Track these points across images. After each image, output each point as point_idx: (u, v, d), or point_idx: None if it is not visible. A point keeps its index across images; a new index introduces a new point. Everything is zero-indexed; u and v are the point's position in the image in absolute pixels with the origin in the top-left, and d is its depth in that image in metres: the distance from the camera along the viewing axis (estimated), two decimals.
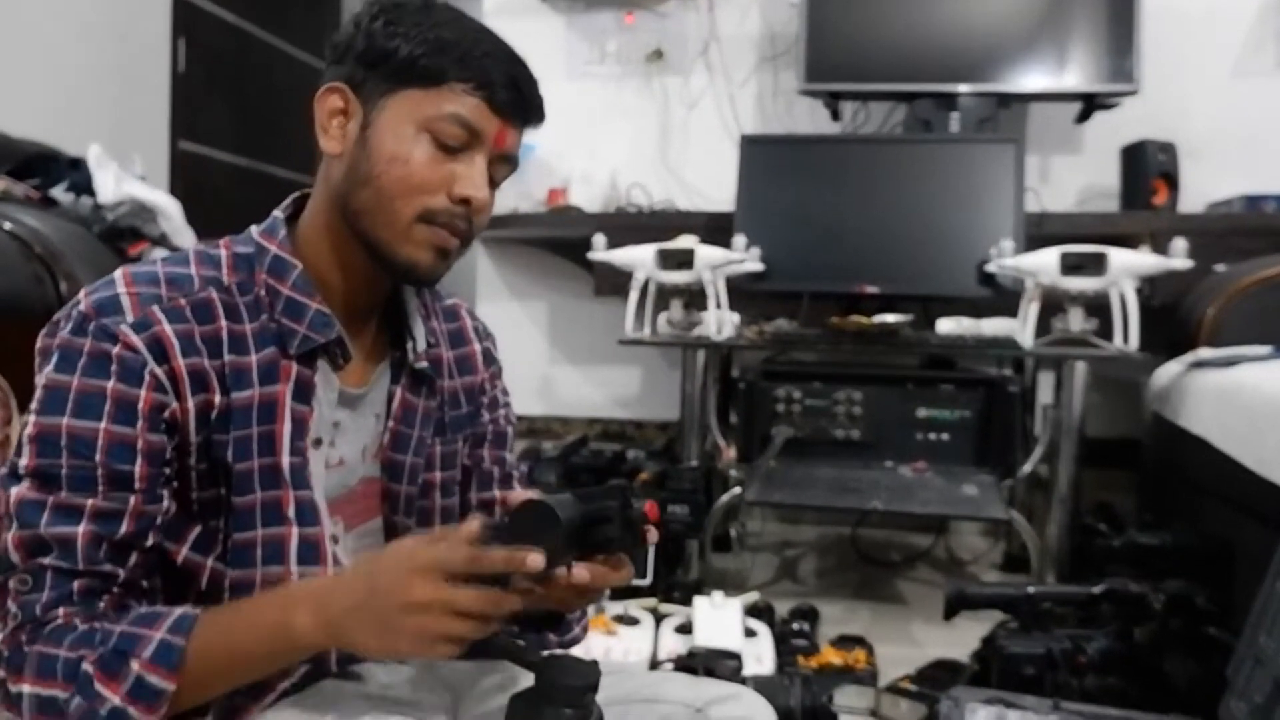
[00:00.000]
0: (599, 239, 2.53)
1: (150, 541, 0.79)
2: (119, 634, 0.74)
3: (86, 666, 0.73)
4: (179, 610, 0.76)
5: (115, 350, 0.77)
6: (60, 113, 3.07)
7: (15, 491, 0.76)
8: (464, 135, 0.84)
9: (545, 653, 0.76)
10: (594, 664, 0.75)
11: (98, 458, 0.76)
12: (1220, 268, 2.39)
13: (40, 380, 0.78)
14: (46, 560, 0.75)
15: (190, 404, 0.80)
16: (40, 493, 0.76)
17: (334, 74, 0.86)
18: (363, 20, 0.85)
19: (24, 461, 0.77)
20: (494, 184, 0.88)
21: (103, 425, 0.76)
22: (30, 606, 0.75)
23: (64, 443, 0.76)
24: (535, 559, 0.71)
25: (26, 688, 0.73)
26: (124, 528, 0.77)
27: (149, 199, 2.16)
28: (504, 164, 0.88)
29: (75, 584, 0.76)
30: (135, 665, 0.73)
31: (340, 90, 0.85)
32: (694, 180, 3.23)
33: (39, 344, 0.81)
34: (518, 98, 0.86)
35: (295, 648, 0.77)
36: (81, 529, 0.76)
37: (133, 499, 0.77)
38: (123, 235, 2.07)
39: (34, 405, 0.78)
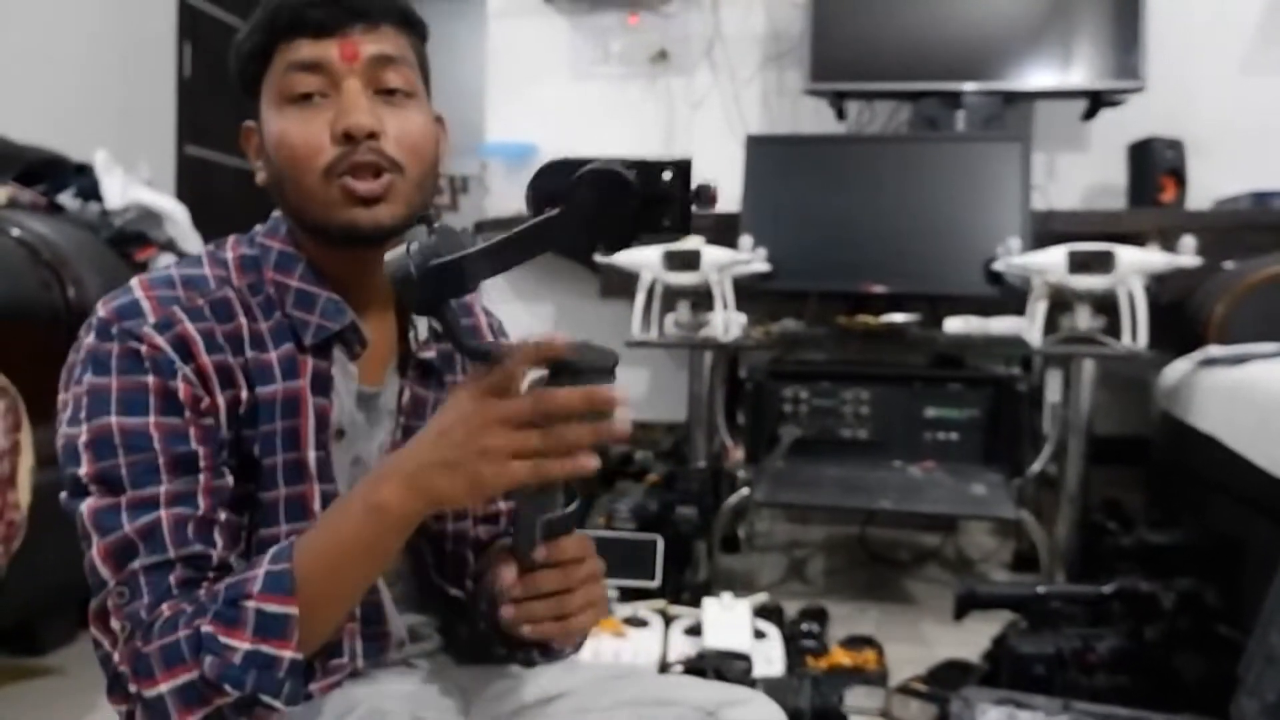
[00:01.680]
0: None
1: (224, 517, 0.78)
2: (224, 588, 0.73)
3: (206, 628, 0.71)
4: (274, 548, 0.75)
5: (143, 349, 0.77)
6: (66, 119, 3.08)
7: (86, 506, 0.75)
8: (310, 78, 0.81)
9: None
10: (609, 351, 0.73)
11: (156, 446, 0.76)
12: (1229, 265, 2.38)
13: (78, 390, 0.77)
14: (137, 563, 0.74)
15: (220, 399, 0.79)
16: (109, 498, 0.75)
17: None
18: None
19: (83, 470, 0.76)
20: (393, 92, 0.83)
21: (151, 419, 0.76)
22: (135, 614, 0.73)
23: (118, 441, 0.75)
24: (604, 397, 0.69)
25: (163, 686, 0.71)
26: (202, 504, 0.76)
27: (156, 204, 2.17)
28: (384, 69, 0.82)
29: (171, 577, 0.74)
30: (250, 604, 0.71)
31: (250, 128, 0.88)
32: (699, 180, 3.22)
33: (68, 362, 0.80)
34: (330, 10, 0.81)
35: (392, 524, 0.74)
36: (163, 513, 0.75)
37: (201, 477, 0.77)
38: (130, 240, 2.08)
39: (79, 414, 0.77)
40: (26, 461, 1.59)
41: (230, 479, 0.80)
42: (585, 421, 0.70)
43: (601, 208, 0.66)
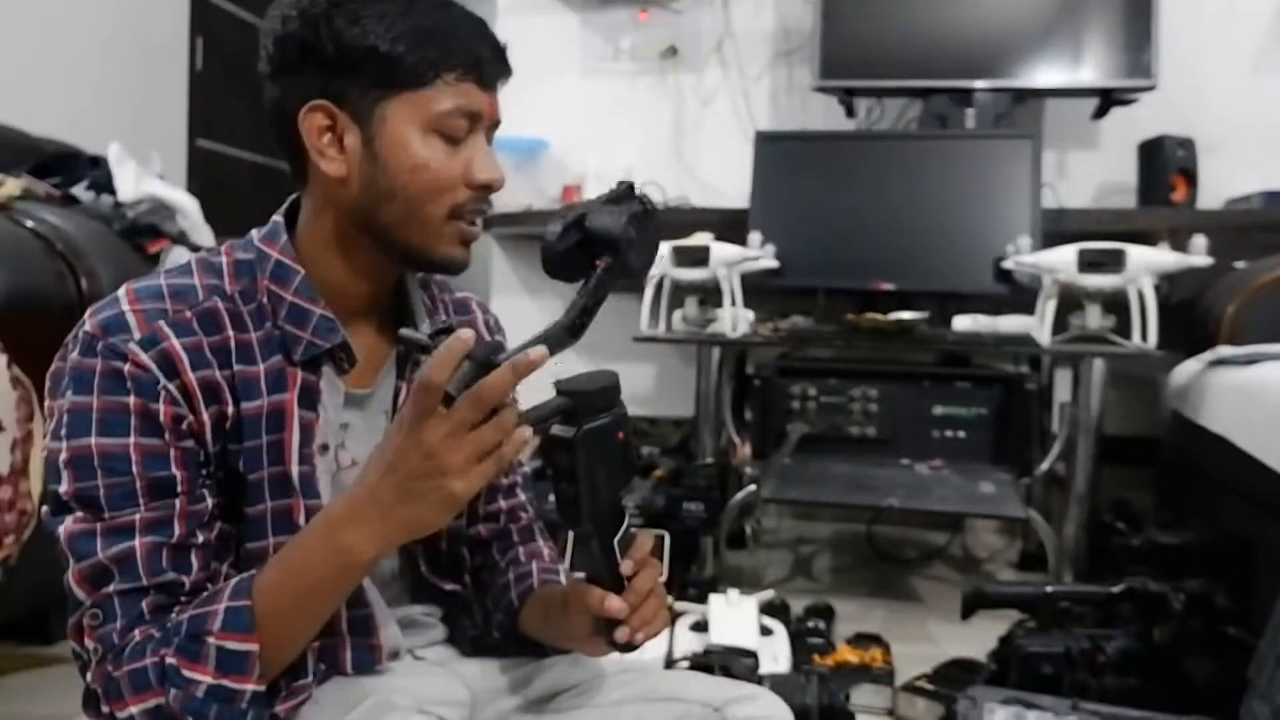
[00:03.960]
0: None
1: (202, 539, 0.79)
2: (187, 620, 0.75)
3: (170, 660, 0.73)
4: (233, 580, 0.77)
5: (126, 368, 0.77)
6: (80, 112, 3.10)
7: (64, 528, 0.77)
8: (465, 123, 0.84)
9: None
10: (609, 371, 0.81)
11: (134, 470, 0.76)
12: (1240, 264, 2.37)
13: (61, 404, 0.78)
14: (111, 587, 0.76)
15: (205, 416, 0.80)
16: (87, 521, 0.76)
17: (300, 86, 0.82)
18: (317, 20, 0.80)
19: (63, 488, 0.77)
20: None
21: (131, 440, 0.77)
22: (108, 637, 0.75)
23: (97, 462, 0.76)
24: (539, 354, 0.73)
25: (133, 709, 0.74)
26: (176, 530, 0.77)
27: (168, 196, 2.18)
28: (494, 129, 0.89)
29: (144, 603, 0.76)
30: (212, 640, 0.73)
31: (323, 107, 0.82)
32: (708, 177, 3.22)
33: (52, 369, 0.80)
34: (500, 67, 0.86)
35: (356, 567, 0.77)
36: (138, 543, 0.76)
37: (177, 502, 0.78)
38: (142, 233, 2.08)
39: (60, 430, 0.77)
40: (39, 452, 1.60)
41: (209, 502, 0.80)
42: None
43: (643, 239, 0.78)
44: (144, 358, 0.77)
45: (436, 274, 0.93)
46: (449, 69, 0.81)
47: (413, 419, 0.71)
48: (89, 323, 0.79)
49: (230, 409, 0.81)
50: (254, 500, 0.83)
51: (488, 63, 0.84)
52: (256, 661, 0.74)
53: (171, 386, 0.78)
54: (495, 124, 0.88)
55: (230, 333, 0.82)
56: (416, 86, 0.81)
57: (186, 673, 0.73)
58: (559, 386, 0.79)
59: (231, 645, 0.74)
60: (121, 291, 0.81)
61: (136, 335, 0.78)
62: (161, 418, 0.77)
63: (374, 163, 0.82)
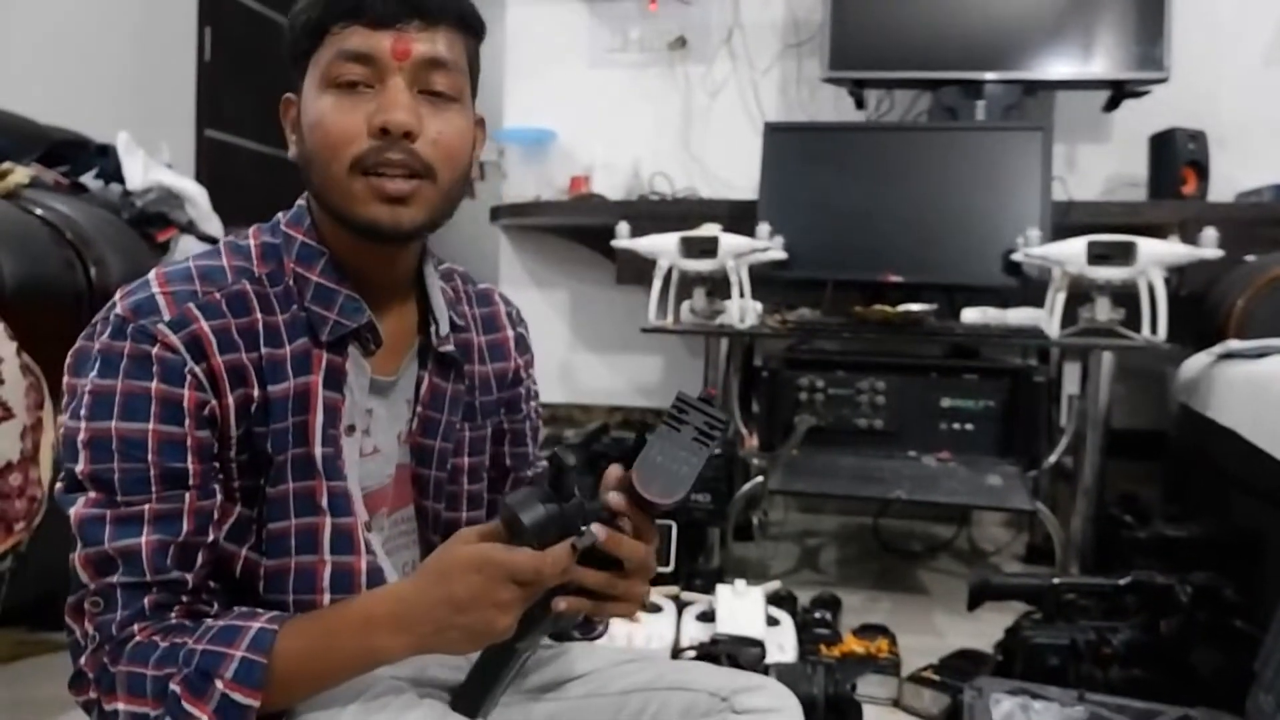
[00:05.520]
0: (622, 227, 2.53)
1: (211, 537, 0.80)
2: (201, 653, 0.74)
3: (174, 686, 0.74)
4: (256, 625, 0.76)
5: (155, 351, 0.77)
6: (88, 101, 3.10)
7: (75, 510, 0.77)
8: (358, 68, 0.80)
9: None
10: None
11: (150, 458, 0.77)
12: (1250, 258, 2.36)
13: (83, 384, 0.78)
14: (114, 578, 0.76)
15: (230, 400, 0.80)
16: (99, 506, 0.77)
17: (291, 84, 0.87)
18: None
19: (79, 467, 0.77)
20: (438, 94, 0.83)
21: (151, 426, 0.77)
22: (106, 626, 0.76)
23: (115, 446, 0.77)
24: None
25: (121, 705, 0.75)
26: (185, 527, 0.78)
27: (176, 185, 2.18)
28: (432, 70, 0.82)
29: (146, 599, 0.77)
30: (220, 685, 0.73)
31: (289, 100, 0.87)
32: (717, 168, 3.22)
33: (77, 346, 0.81)
34: (395, 1, 0.80)
35: (380, 664, 0.79)
36: (145, 539, 0.76)
37: (188, 495, 0.78)
38: (151, 221, 2.09)
39: (81, 410, 0.78)
40: (49, 438, 1.60)
41: (218, 497, 0.81)
42: None
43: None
44: (173, 339, 0.78)
45: (382, 241, 0.85)
46: (333, 21, 0.81)
47: (497, 578, 0.73)
48: (120, 305, 0.80)
49: (256, 392, 0.82)
50: (277, 481, 0.83)
51: (372, 2, 0.80)
52: (254, 716, 0.75)
53: (198, 370, 0.78)
54: (429, 64, 0.81)
55: (258, 315, 0.83)
56: (312, 51, 0.83)
57: (186, 705, 0.73)
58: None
59: (236, 697, 0.74)
60: (152, 275, 0.82)
61: (166, 316, 0.78)
62: (185, 403, 0.78)
63: (302, 136, 0.85)
